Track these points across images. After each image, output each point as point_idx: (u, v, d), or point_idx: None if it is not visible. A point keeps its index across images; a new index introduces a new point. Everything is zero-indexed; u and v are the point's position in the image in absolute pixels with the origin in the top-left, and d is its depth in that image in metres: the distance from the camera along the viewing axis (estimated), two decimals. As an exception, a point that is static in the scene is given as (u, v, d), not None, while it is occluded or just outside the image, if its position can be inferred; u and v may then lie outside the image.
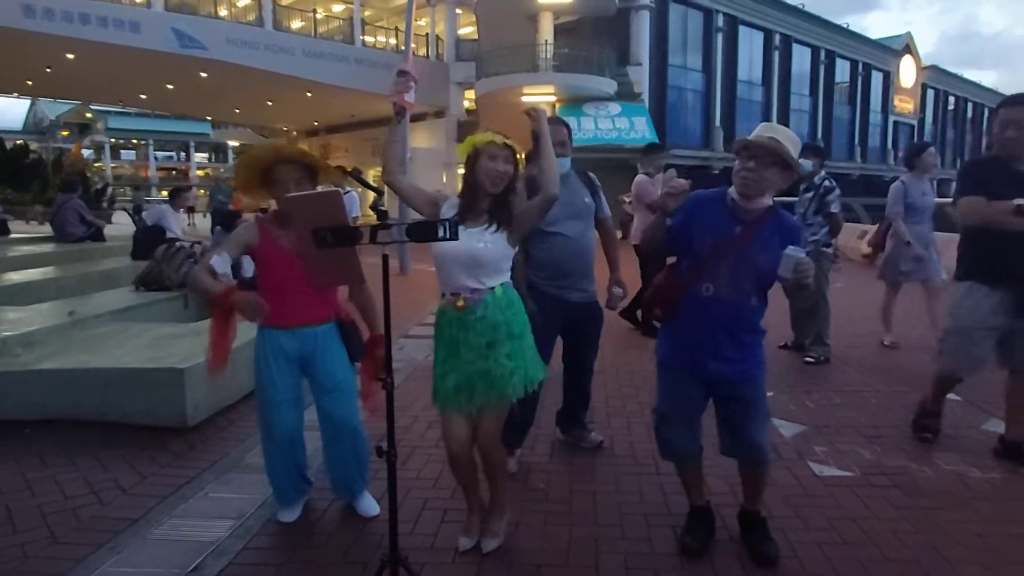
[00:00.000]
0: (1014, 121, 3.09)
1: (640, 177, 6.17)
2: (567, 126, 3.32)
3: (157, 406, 3.77)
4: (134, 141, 60.08)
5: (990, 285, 3.22)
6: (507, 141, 2.37)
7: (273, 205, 2.74)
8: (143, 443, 3.61)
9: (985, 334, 3.26)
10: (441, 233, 1.90)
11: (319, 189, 2.53)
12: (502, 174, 2.33)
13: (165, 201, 8.53)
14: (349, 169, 2.71)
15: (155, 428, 3.75)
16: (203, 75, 20.54)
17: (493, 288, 2.38)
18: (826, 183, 5.22)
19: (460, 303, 2.35)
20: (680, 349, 2.47)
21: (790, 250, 2.19)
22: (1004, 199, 3.01)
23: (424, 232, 1.92)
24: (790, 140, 2.31)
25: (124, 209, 16.79)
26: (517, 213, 2.39)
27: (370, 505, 2.85)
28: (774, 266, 2.23)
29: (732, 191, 2.37)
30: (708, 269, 2.34)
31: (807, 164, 5.18)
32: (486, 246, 2.34)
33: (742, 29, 30.02)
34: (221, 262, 2.55)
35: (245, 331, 4.59)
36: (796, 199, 5.45)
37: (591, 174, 3.50)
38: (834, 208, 5.17)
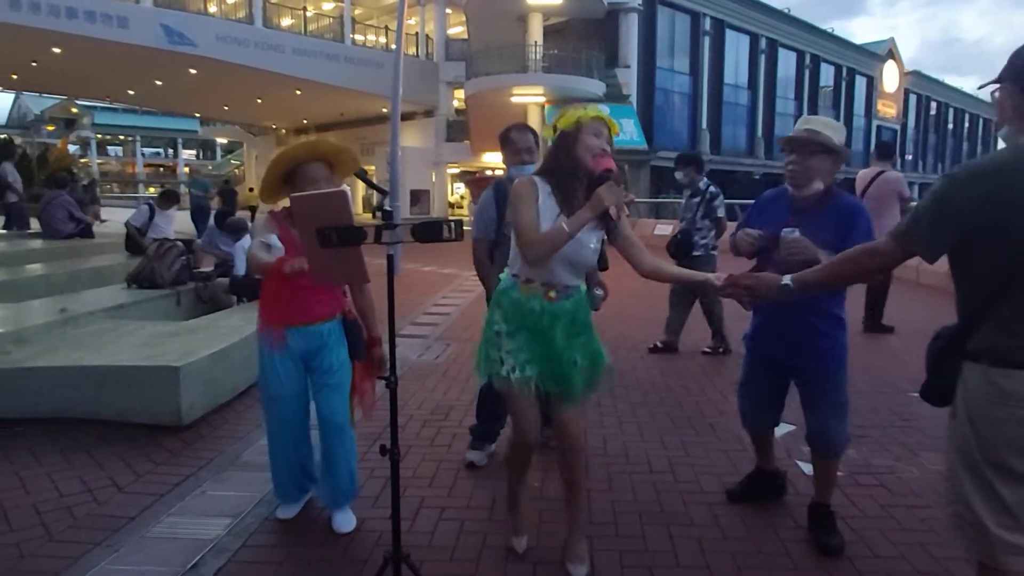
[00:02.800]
0: None
1: (894, 172, 6.57)
2: (534, 132, 3.30)
3: (152, 404, 3.77)
4: (121, 137, 59.38)
5: None
6: (602, 115, 2.26)
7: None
8: (138, 441, 3.61)
9: None
10: (446, 233, 1.93)
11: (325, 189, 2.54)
12: (604, 155, 2.22)
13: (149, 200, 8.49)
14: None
15: (150, 426, 3.75)
16: (192, 72, 20.42)
17: (579, 284, 2.39)
18: (711, 189, 5.49)
19: (552, 294, 2.29)
20: (756, 335, 2.73)
21: (785, 231, 2.35)
22: None
23: (430, 232, 1.95)
24: (829, 127, 2.48)
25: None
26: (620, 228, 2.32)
27: (345, 521, 2.72)
28: (834, 248, 2.24)
29: (787, 184, 2.60)
30: (769, 256, 2.50)
31: (680, 176, 5.57)
32: (594, 248, 2.30)
33: (729, 33, 30.28)
34: (272, 239, 2.58)
35: (238, 328, 4.60)
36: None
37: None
38: (720, 212, 5.48)
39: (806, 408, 2.64)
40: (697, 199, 5.46)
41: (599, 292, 3.49)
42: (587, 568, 2.41)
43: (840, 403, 2.58)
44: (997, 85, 1.64)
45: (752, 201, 2.92)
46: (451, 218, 1.99)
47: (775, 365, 2.66)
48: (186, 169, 59.03)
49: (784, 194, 2.62)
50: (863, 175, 6.69)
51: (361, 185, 3.01)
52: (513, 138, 3.23)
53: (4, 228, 10.72)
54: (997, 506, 1.54)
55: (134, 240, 7.63)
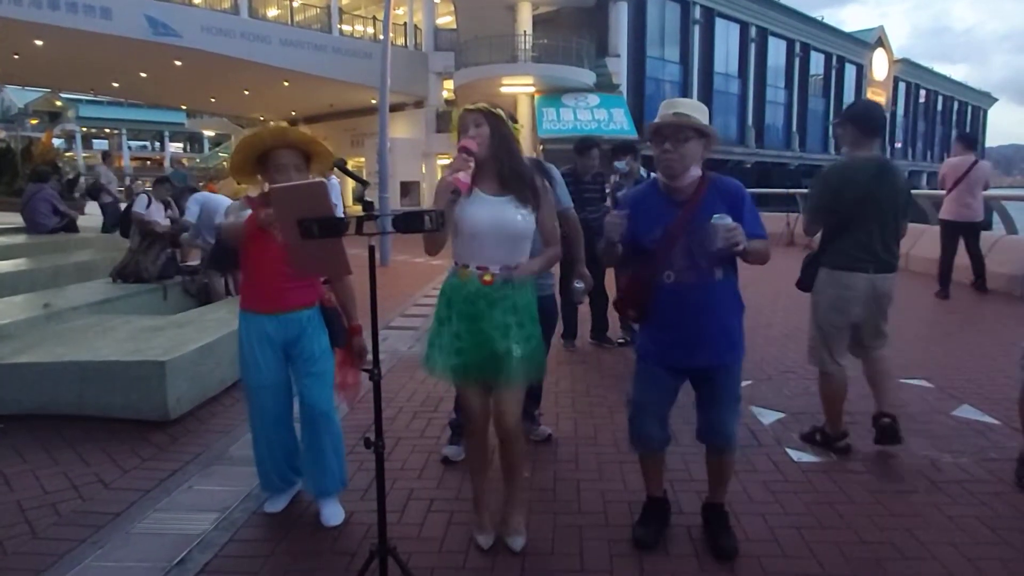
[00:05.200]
0: None
1: (985, 161, 7.15)
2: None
3: (138, 399, 3.73)
4: (106, 130, 58.66)
5: None
6: (474, 106, 2.33)
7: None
8: (124, 437, 3.57)
9: None
10: (428, 224, 1.91)
11: (304, 180, 2.51)
12: (473, 139, 2.27)
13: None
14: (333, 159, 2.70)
15: (136, 422, 3.71)
16: (177, 63, 20.15)
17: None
18: (651, 174, 5.37)
19: (488, 277, 2.30)
20: (656, 344, 2.46)
21: (715, 219, 2.18)
22: None
23: (411, 223, 1.93)
24: (696, 109, 2.33)
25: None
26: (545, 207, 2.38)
27: (333, 513, 2.71)
28: None
29: (659, 176, 2.41)
30: (662, 258, 2.34)
31: (622, 165, 5.42)
32: (523, 219, 2.30)
33: (719, 21, 30.21)
34: (245, 213, 2.57)
35: (226, 321, 4.56)
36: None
37: (547, 164, 3.41)
38: None
39: (703, 406, 2.48)
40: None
41: (579, 285, 3.44)
42: (523, 540, 2.51)
43: (738, 398, 2.47)
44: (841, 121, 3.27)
45: None
46: (433, 209, 1.97)
47: (674, 371, 2.46)
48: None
49: (655, 189, 2.45)
50: (958, 163, 7.02)
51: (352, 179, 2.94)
52: None
53: (102, 229, 10.45)
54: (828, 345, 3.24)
55: (132, 226, 7.51)
